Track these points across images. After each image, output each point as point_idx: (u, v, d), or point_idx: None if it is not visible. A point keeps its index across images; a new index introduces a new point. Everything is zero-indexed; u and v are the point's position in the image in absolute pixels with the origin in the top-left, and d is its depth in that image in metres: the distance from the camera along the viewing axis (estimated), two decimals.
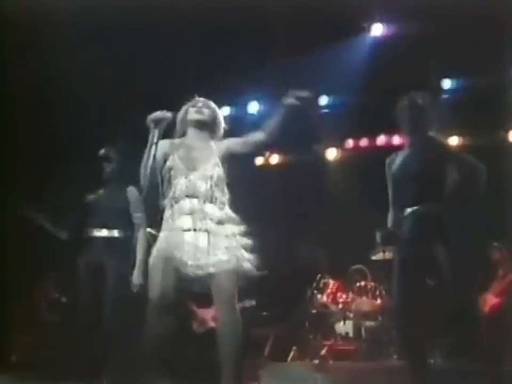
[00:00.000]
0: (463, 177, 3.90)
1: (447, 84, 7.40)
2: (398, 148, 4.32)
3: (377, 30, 7.26)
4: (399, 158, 4.07)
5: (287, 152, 8.39)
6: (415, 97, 4.04)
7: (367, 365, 5.79)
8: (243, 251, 3.44)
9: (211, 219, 3.44)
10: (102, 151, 5.02)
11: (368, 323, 6.30)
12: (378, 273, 6.46)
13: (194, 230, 3.42)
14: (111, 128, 6.25)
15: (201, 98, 3.73)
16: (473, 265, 3.92)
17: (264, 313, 6.78)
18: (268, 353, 6.36)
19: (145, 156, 3.45)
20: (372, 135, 8.02)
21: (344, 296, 6.57)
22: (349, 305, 6.47)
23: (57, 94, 6.45)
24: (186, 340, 5.61)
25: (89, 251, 4.88)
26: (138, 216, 4.86)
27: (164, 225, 3.50)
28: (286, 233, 7.51)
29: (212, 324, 5.74)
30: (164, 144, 3.57)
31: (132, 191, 4.90)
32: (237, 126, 4.02)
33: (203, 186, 3.48)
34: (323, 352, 5.91)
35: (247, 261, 3.42)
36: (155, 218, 3.53)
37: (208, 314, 6.00)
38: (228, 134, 3.74)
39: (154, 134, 3.44)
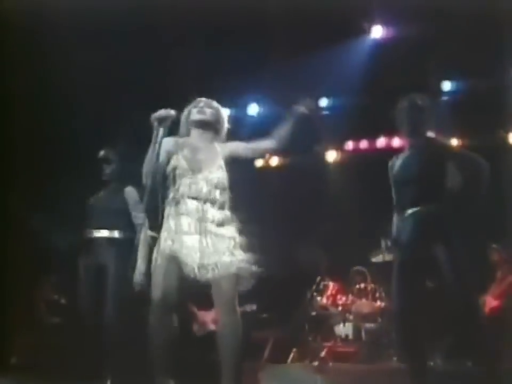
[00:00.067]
0: (466, 174, 3.88)
1: (446, 85, 7.39)
2: (398, 149, 4.31)
3: (377, 31, 7.25)
4: (399, 160, 4.07)
5: (287, 154, 8.36)
6: (415, 98, 4.04)
7: (367, 367, 5.79)
8: (243, 252, 3.43)
9: (212, 221, 3.44)
10: (101, 153, 5.01)
11: (368, 325, 6.30)
12: (378, 275, 6.46)
13: (195, 231, 3.41)
14: (110, 129, 6.25)
15: (204, 98, 3.72)
16: (473, 266, 3.91)
17: (264, 315, 6.78)
18: (267, 355, 6.35)
19: (149, 153, 3.43)
20: (372, 137, 8.01)
21: (344, 298, 6.58)
22: (348, 307, 6.47)
23: (57, 94, 6.44)
24: (186, 342, 5.60)
25: (90, 252, 4.87)
26: (139, 216, 4.84)
27: (165, 225, 3.49)
28: (286, 235, 7.49)
29: (212, 327, 5.74)
30: (168, 142, 3.54)
31: (130, 191, 4.88)
32: (236, 128, 4.01)
33: (205, 188, 3.48)
34: (323, 354, 5.92)
35: (247, 262, 3.41)
36: (155, 218, 3.52)
37: (208, 317, 6.00)
38: (228, 135, 3.74)
39: (159, 132, 3.42)
